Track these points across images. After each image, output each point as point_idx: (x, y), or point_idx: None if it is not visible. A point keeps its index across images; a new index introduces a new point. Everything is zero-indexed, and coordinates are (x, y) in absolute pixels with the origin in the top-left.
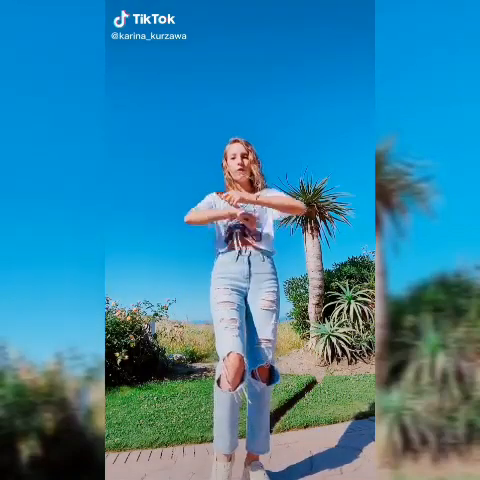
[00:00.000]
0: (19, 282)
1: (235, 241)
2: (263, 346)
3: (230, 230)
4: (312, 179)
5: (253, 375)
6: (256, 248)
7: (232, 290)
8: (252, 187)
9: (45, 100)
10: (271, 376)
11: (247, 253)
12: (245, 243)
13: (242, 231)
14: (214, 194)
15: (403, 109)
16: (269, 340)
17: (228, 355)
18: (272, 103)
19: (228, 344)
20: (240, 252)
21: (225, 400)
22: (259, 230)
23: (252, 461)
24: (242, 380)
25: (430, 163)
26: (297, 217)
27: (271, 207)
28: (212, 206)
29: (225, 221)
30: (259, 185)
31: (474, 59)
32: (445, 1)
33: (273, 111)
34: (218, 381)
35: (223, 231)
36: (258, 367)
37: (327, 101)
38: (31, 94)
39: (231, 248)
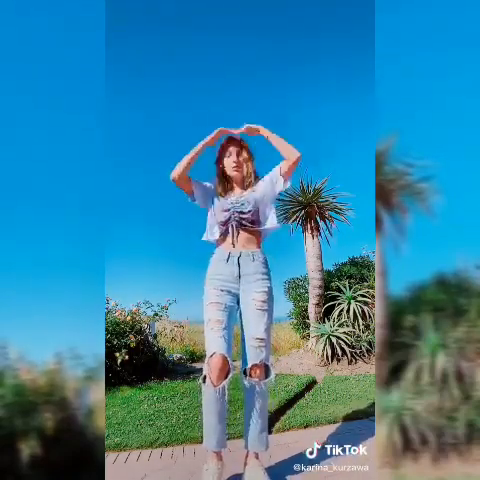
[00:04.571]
0: (19, 282)
1: (231, 233)
2: (256, 345)
3: (226, 223)
4: (312, 179)
5: (246, 373)
6: (249, 247)
7: (222, 291)
8: (245, 185)
9: (43, 101)
10: (266, 373)
11: (237, 254)
12: (241, 235)
13: (238, 223)
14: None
15: (403, 109)
16: (262, 339)
17: (212, 355)
18: (272, 103)
19: (212, 345)
20: (230, 253)
21: (209, 396)
22: (257, 218)
23: (251, 460)
24: (226, 377)
25: (430, 163)
26: (297, 217)
27: (273, 142)
28: (203, 186)
29: (219, 214)
30: (249, 181)
31: (474, 59)
32: (445, 1)
33: (273, 111)
34: (204, 378)
35: (217, 220)
36: (251, 366)
37: (327, 101)
38: (28, 95)
39: (226, 245)
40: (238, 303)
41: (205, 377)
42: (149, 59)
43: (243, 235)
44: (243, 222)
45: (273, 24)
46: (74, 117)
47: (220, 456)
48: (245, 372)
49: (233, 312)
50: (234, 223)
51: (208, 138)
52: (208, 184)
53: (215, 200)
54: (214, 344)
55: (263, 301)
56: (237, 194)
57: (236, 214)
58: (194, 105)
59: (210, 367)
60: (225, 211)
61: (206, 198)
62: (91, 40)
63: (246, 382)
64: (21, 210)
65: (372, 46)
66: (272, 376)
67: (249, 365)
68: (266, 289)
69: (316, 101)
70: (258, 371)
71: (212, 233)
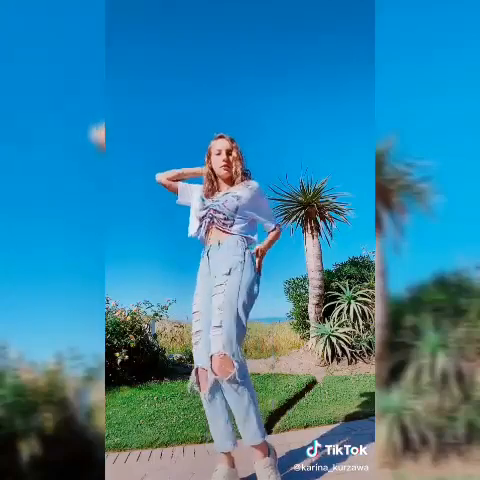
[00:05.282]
0: (19, 282)
1: (202, 228)
2: (213, 334)
3: (201, 220)
4: (312, 179)
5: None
6: (225, 236)
7: (198, 295)
8: (232, 182)
9: (43, 101)
10: (231, 366)
11: (207, 248)
12: (212, 231)
13: (211, 220)
14: (198, 185)
15: (403, 109)
16: (216, 327)
17: (196, 368)
18: (272, 103)
19: (195, 358)
20: (205, 248)
21: (202, 401)
22: (231, 222)
23: (257, 460)
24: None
25: (430, 163)
26: (297, 217)
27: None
28: (189, 190)
29: (196, 208)
30: (238, 179)
31: (474, 58)
32: (446, 0)
33: (273, 111)
34: (197, 384)
35: (196, 216)
36: (210, 358)
37: (327, 101)
38: (28, 95)
39: (202, 240)
40: None
41: (198, 381)
42: (149, 58)
43: (217, 229)
44: (215, 220)
45: (273, 23)
46: (74, 117)
47: (230, 458)
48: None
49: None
50: (207, 220)
51: (201, 170)
52: (194, 187)
53: (198, 198)
54: (194, 357)
55: (219, 284)
56: (221, 193)
57: (212, 211)
58: (196, 105)
59: (198, 377)
60: (204, 209)
61: (190, 201)
62: (91, 40)
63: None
64: (21, 211)
65: (372, 46)
66: (235, 372)
67: (209, 358)
68: (227, 270)
69: (316, 101)
70: (215, 364)
71: (191, 228)
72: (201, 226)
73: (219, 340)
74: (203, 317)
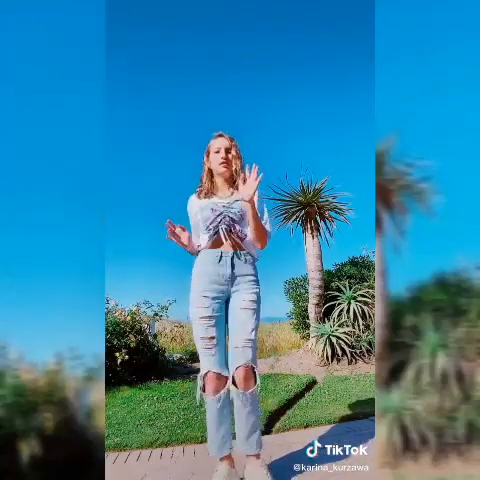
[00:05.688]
0: (19, 282)
1: (223, 236)
2: (242, 345)
3: (215, 227)
4: (312, 179)
5: (233, 381)
6: (240, 248)
7: (212, 299)
8: (233, 183)
9: (43, 101)
10: (254, 380)
11: (230, 255)
12: (231, 240)
13: (228, 228)
14: (192, 197)
15: (403, 109)
16: (250, 340)
17: (207, 373)
18: (272, 103)
19: (205, 363)
20: (222, 253)
21: (208, 405)
22: (245, 235)
23: (252, 461)
24: (224, 387)
25: (430, 163)
26: (297, 217)
27: (252, 220)
28: (195, 215)
29: (207, 216)
30: (239, 180)
31: (475, 58)
32: (446, 0)
33: (273, 111)
34: (203, 389)
35: (205, 225)
36: (236, 368)
37: (327, 101)
38: (27, 94)
39: (215, 246)
40: (226, 306)
41: (203, 388)
42: (150, 58)
43: (233, 236)
44: (232, 229)
45: (274, 23)
46: (74, 117)
47: (230, 458)
48: (233, 380)
49: (222, 319)
50: (223, 226)
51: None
52: (190, 210)
53: (203, 208)
54: (207, 363)
55: (253, 301)
56: (225, 195)
57: (228, 218)
58: (196, 103)
59: (206, 383)
60: (218, 215)
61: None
62: (91, 40)
63: (232, 392)
64: (21, 209)
65: (372, 45)
66: (257, 385)
67: (234, 367)
68: (257, 290)
69: (316, 101)
70: (241, 374)
71: (202, 239)
72: (216, 233)
73: (250, 352)
74: (218, 322)
